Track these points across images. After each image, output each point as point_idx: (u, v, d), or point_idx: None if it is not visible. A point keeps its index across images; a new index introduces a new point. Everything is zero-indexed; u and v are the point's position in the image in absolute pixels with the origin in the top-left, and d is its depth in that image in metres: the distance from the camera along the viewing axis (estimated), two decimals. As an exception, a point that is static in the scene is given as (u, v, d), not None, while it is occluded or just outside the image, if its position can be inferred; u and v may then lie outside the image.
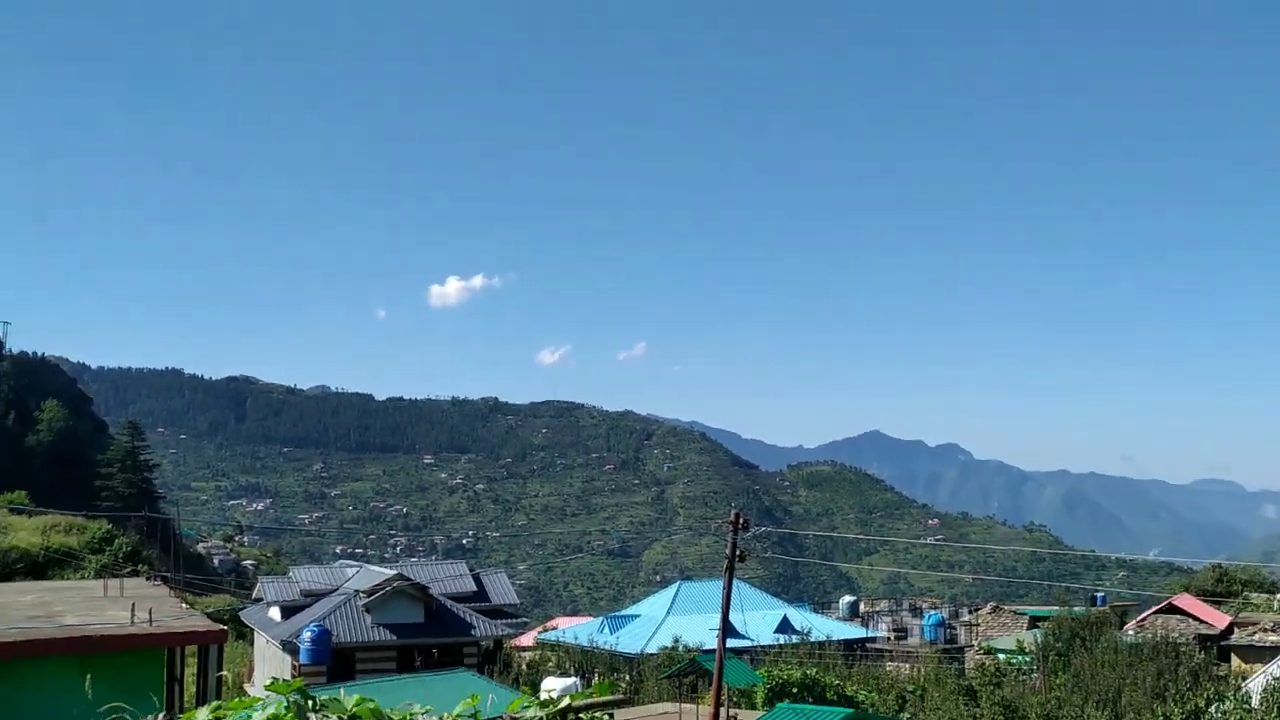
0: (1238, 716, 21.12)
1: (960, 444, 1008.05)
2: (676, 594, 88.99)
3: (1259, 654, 78.67)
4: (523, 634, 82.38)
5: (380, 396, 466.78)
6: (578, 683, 45.24)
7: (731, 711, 36.33)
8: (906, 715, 48.72)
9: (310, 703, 9.46)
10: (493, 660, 62.70)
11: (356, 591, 61.02)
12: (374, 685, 34.10)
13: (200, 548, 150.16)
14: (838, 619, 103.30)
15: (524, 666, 63.50)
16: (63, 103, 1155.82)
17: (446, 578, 70.81)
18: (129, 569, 60.68)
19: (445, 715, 9.73)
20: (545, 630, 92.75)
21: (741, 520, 27.70)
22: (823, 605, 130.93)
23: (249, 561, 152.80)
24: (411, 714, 9.55)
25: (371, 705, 9.40)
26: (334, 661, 54.29)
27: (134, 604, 19.48)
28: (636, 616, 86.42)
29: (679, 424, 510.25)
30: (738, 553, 26.78)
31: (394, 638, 58.35)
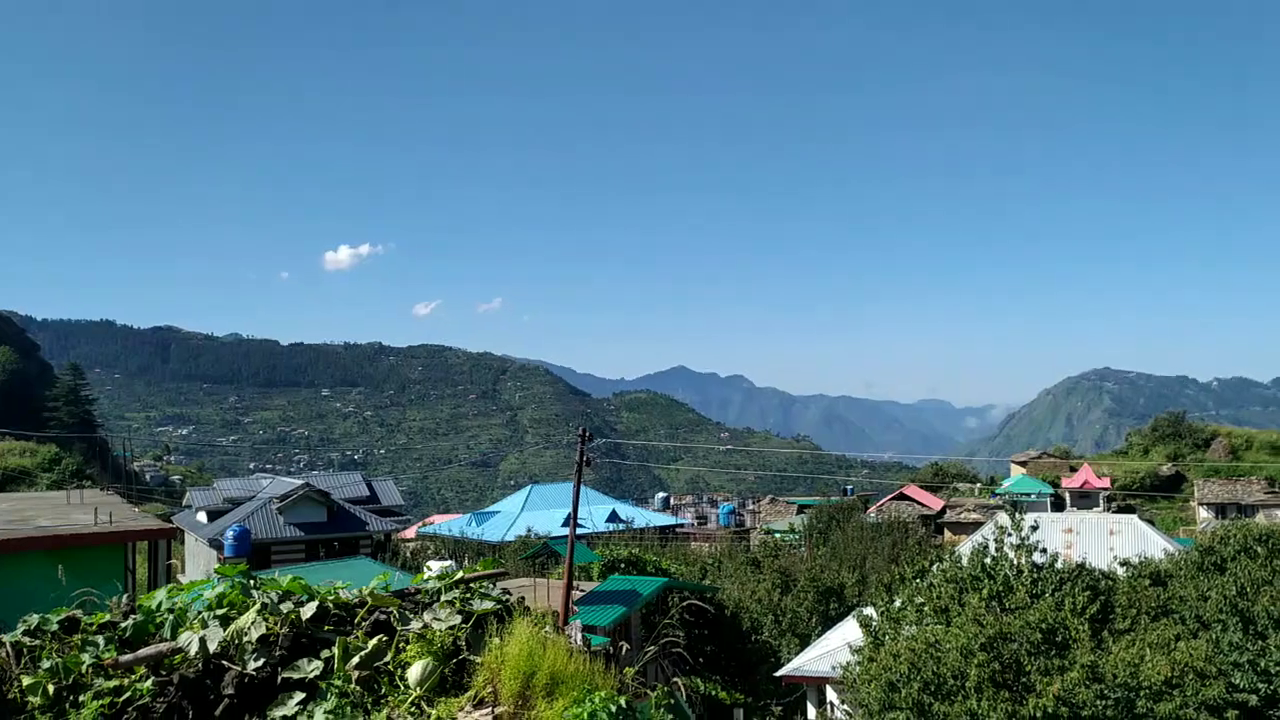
0: (952, 572, 22.28)
1: (745, 375, 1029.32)
2: (529, 495, 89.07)
3: (965, 528, 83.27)
4: (406, 529, 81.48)
5: (285, 342, 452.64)
6: (453, 564, 45.15)
7: (575, 582, 36.79)
8: (708, 581, 49.97)
9: (252, 581, 9.41)
10: (384, 550, 61.90)
11: (271, 498, 59.45)
12: (291, 570, 33.38)
13: (134, 466, 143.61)
14: (654, 510, 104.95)
15: (409, 554, 62.81)
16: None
17: (344, 485, 69.49)
18: (75, 484, 58.03)
19: (364, 588, 9.79)
20: (424, 525, 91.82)
21: (587, 435, 28.00)
22: (642, 500, 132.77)
23: (176, 477, 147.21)
24: (335, 589, 9.59)
25: (302, 582, 9.41)
26: (253, 555, 52.87)
27: (95, 509, 18.81)
28: (497, 513, 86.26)
29: (528, 362, 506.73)
30: (586, 459, 27.06)
31: (302, 534, 57.16)
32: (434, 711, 7.13)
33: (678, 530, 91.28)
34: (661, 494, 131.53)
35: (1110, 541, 39.94)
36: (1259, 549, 20.91)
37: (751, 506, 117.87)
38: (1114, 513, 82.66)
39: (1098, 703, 17.39)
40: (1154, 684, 17.55)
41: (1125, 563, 24.77)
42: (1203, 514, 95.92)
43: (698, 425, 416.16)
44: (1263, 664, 18.64)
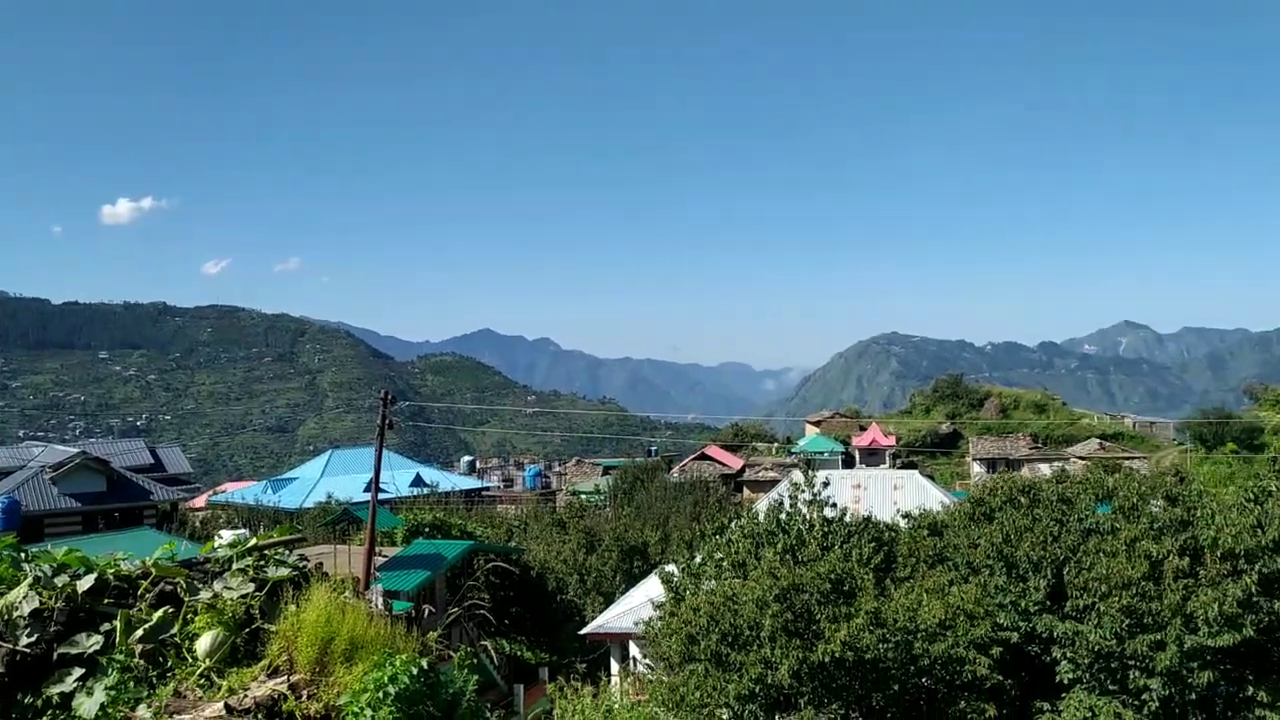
0: (750, 528, 23.12)
1: (552, 338, 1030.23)
2: (329, 460, 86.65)
3: (763, 485, 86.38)
4: (196, 498, 77.78)
5: (57, 301, 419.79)
6: (246, 533, 43.53)
7: (378, 548, 36.17)
8: (514, 543, 50.09)
9: (22, 555, 8.81)
10: (171, 520, 58.92)
11: (43, 467, 55.43)
12: (67, 543, 31.34)
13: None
14: (459, 474, 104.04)
15: (199, 524, 60.02)
16: None
17: (125, 453, 65.59)
18: None
19: (147, 559, 9.33)
20: (216, 494, 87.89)
21: (389, 398, 27.44)
22: (447, 464, 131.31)
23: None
24: (116, 560, 9.10)
25: (79, 554, 8.88)
26: (23, 528, 49.22)
27: None
28: (295, 479, 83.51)
29: (328, 324, 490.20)
30: (388, 422, 26.53)
31: (79, 505, 53.62)
32: (225, 682, 6.93)
33: (483, 493, 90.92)
34: (467, 458, 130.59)
35: (894, 496, 42.45)
36: (1022, 499, 22.73)
37: (558, 468, 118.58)
38: (898, 469, 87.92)
39: (880, 646, 18.55)
40: (930, 626, 18.87)
41: (906, 515, 26.40)
42: (976, 468, 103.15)
43: (504, 388, 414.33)
44: (1023, 604, 20.33)
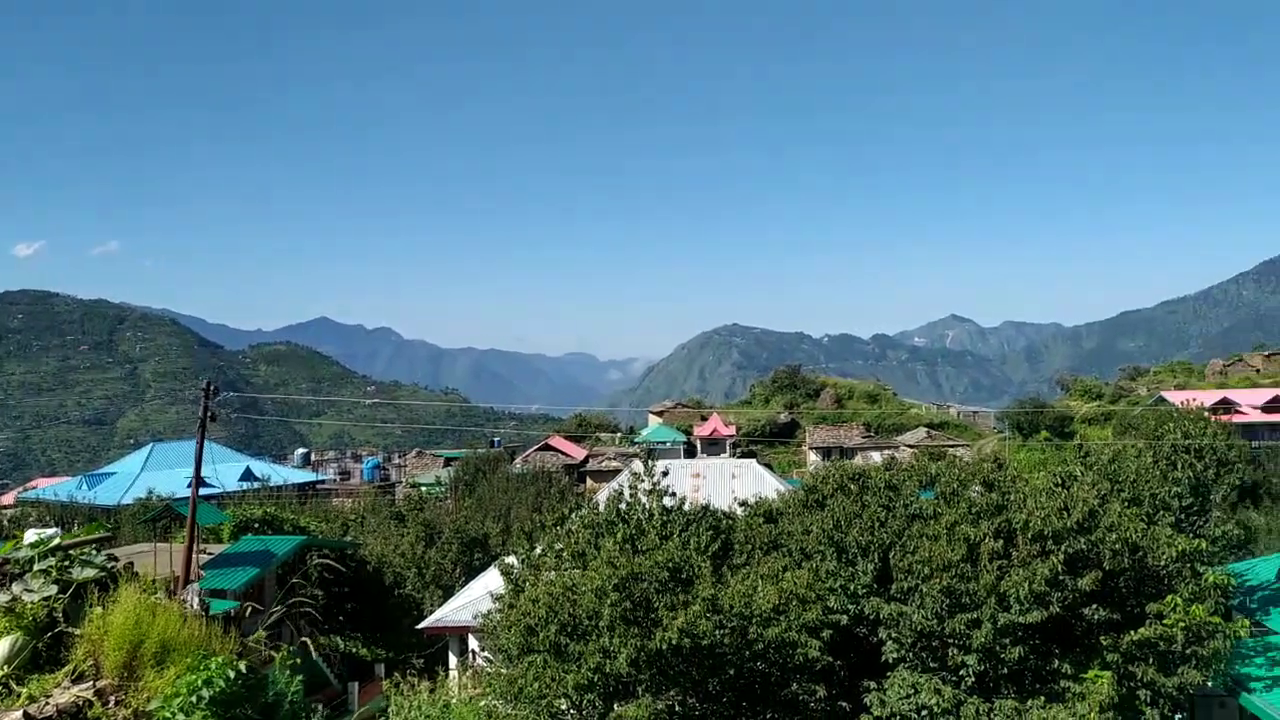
0: (590, 518, 23.23)
1: (393, 327, 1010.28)
2: (150, 454, 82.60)
3: (606, 476, 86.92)
4: (3, 495, 72.90)
5: None
6: (59, 531, 41.08)
7: (201, 545, 34.73)
8: (350, 537, 48.93)
9: None
10: (-28, 519, 54.97)
11: None
12: None
13: None
14: (293, 467, 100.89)
15: (6, 523, 56.29)
16: None
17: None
18: None
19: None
20: (26, 490, 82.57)
21: (213, 388, 26.33)
22: (280, 458, 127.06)
23: None
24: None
25: None
26: None
27: None
28: (113, 474, 79.27)
29: (151, 311, 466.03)
30: (211, 414, 25.46)
31: None
32: (25, 690, 6.54)
33: (319, 487, 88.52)
34: (302, 450, 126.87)
35: (732, 484, 43.39)
36: (852, 486, 23.61)
37: (398, 460, 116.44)
38: (737, 458, 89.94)
39: (716, 632, 18.96)
40: (764, 611, 19.39)
41: (743, 503, 27.04)
42: (812, 457, 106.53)
43: (343, 379, 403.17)
44: (852, 587, 21.14)
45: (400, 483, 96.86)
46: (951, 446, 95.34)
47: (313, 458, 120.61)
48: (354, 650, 35.95)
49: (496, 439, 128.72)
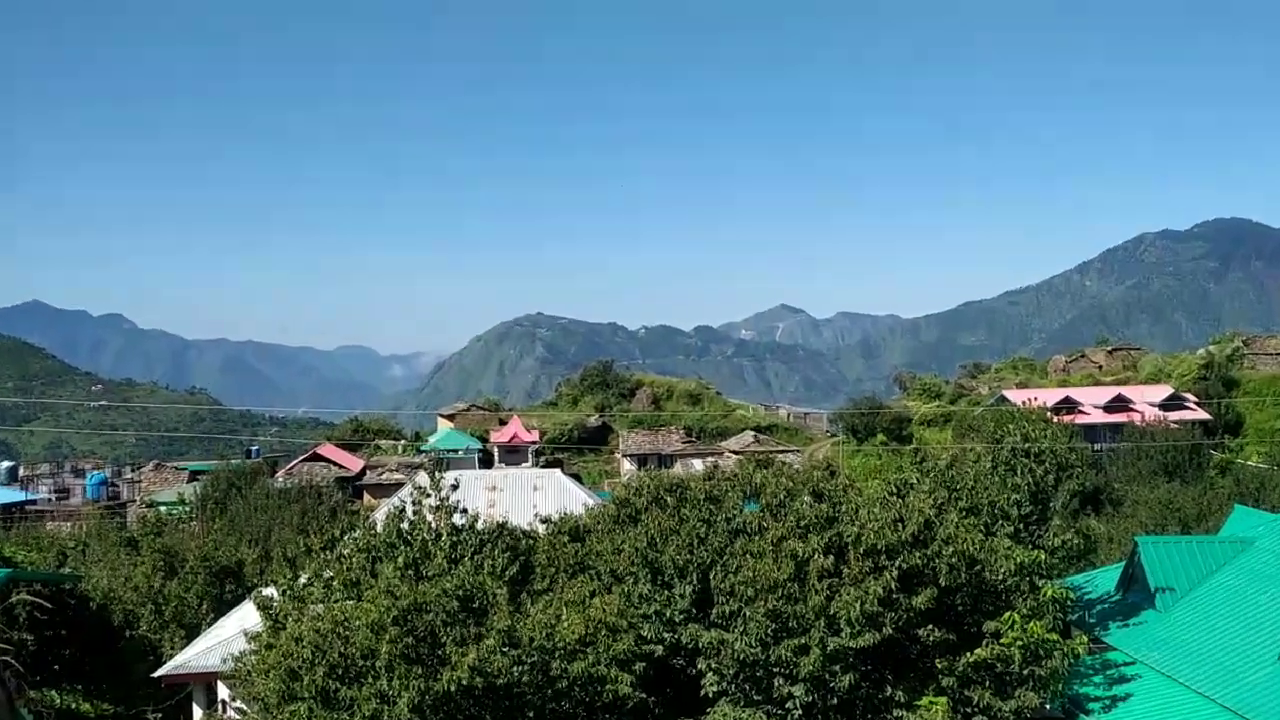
0: (366, 540, 22.81)
1: (125, 314, 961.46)
2: None
3: (386, 490, 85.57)
4: None
5: None
6: None
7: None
8: (68, 569, 46.34)
9: None
10: None
11: None
12: None
13: None
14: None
15: None
16: None
17: None
18: None
19: None
20: None
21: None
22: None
23: None
24: None
25: None
26: None
27: None
28: None
29: None
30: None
31: None
32: None
33: (28, 508, 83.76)
34: (8, 463, 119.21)
35: (534, 498, 43.47)
36: (668, 499, 24.06)
37: (130, 475, 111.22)
38: (541, 467, 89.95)
39: (514, 669, 18.96)
40: (569, 643, 19.53)
41: (546, 520, 27.14)
42: (626, 466, 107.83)
43: (61, 376, 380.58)
44: (669, 613, 21.55)
45: (133, 502, 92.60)
46: (780, 452, 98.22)
47: (21, 473, 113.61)
48: (73, 705, 34.08)
49: (255, 447, 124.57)
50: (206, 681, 31.88)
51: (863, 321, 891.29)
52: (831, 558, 20.82)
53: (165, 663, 34.51)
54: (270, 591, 24.20)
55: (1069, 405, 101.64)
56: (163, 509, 74.57)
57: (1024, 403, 70.24)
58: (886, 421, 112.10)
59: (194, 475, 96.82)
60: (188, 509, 73.05)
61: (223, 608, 41.14)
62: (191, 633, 39.72)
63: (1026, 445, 28.49)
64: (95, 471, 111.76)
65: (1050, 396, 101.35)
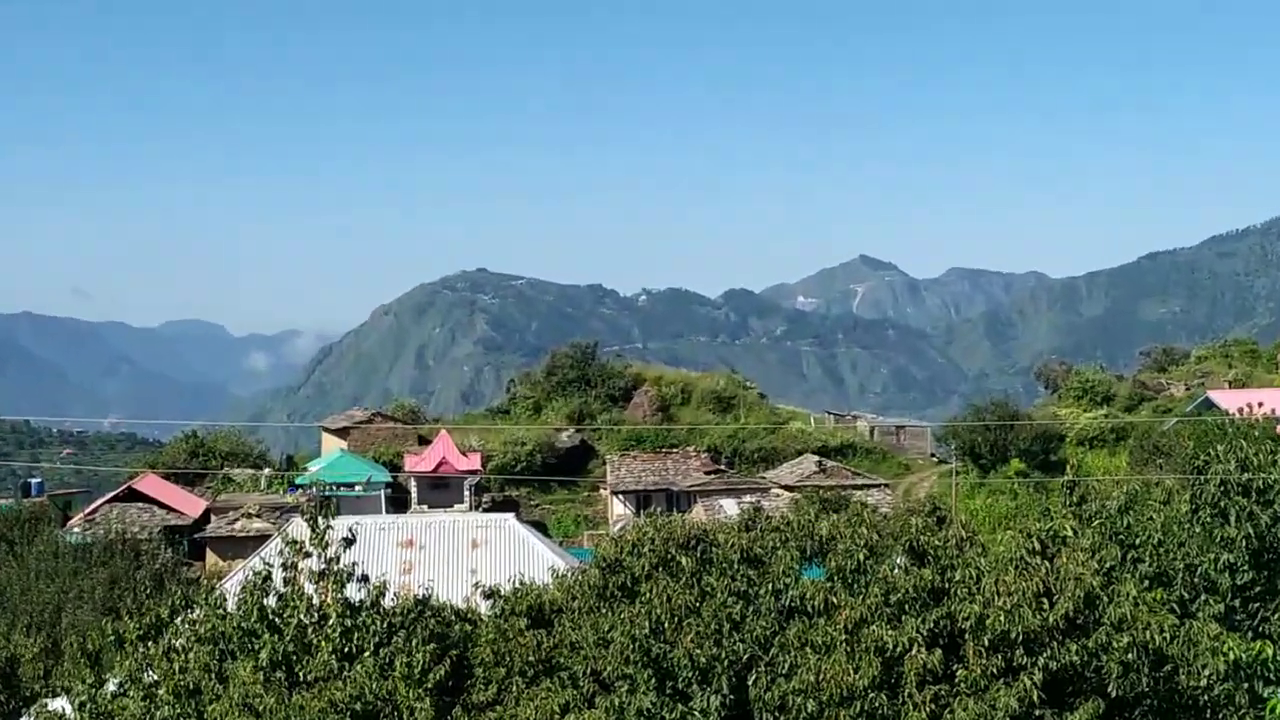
0: (211, 624, 22.82)
1: None
2: None
3: (240, 546, 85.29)
4: None
5: None
6: None
7: None
8: None
9: None
10: None
11: None
12: None
13: None
14: None
15: None
16: None
17: None
18: None
19: None
20: None
21: None
22: None
23: None
24: None
25: None
26: None
27: None
28: None
29: None
30: None
31: None
32: None
33: None
34: None
35: (473, 559, 43.58)
36: (685, 560, 23.95)
37: None
38: (484, 510, 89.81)
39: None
40: (528, 786, 19.56)
41: (492, 593, 27.08)
42: (618, 508, 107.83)
43: None
44: (684, 739, 21.49)
45: None
46: (859, 488, 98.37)
47: None
48: None
49: (35, 480, 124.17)
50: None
51: (989, 283, 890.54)
52: (939, 652, 20.76)
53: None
54: (59, 705, 24.21)
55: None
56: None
57: (1242, 411, 69.98)
58: (1025, 440, 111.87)
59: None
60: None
61: (-13, 729, 41.25)
62: (-63, 770, 39.80)
63: (1245, 478, 28.34)
64: None
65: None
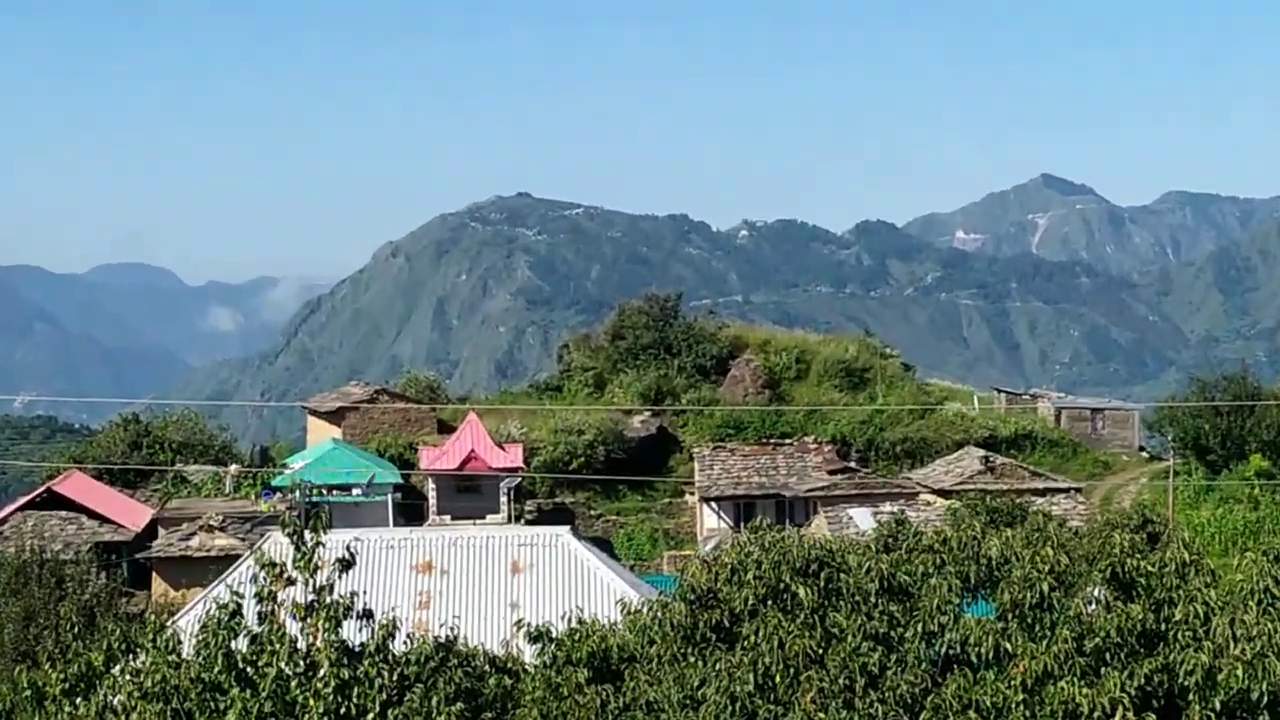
0: (159, 675, 23.03)
1: None
2: None
3: (198, 570, 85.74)
4: None
5: None
6: None
7: None
8: None
9: None
10: None
11: None
12: None
13: None
14: None
15: None
16: None
17: None
18: None
19: None
20: None
21: None
22: None
23: None
24: None
25: None
26: None
27: None
28: None
29: None
30: None
31: None
32: None
33: None
34: None
35: (514, 588, 43.73)
36: (803, 592, 24.01)
37: None
38: (528, 522, 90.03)
39: None
40: None
41: (541, 635, 27.26)
42: (711, 519, 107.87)
43: None
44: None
45: None
46: (1040, 493, 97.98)
47: None
48: None
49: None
50: None
51: (1220, 213, 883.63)
52: (1153, 717, 20.75)
53: None
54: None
55: None
56: None
57: None
58: (1271, 429, 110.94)
59: None
60: None
61: None
62: None
63: None
64: None
65: None
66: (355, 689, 22.95)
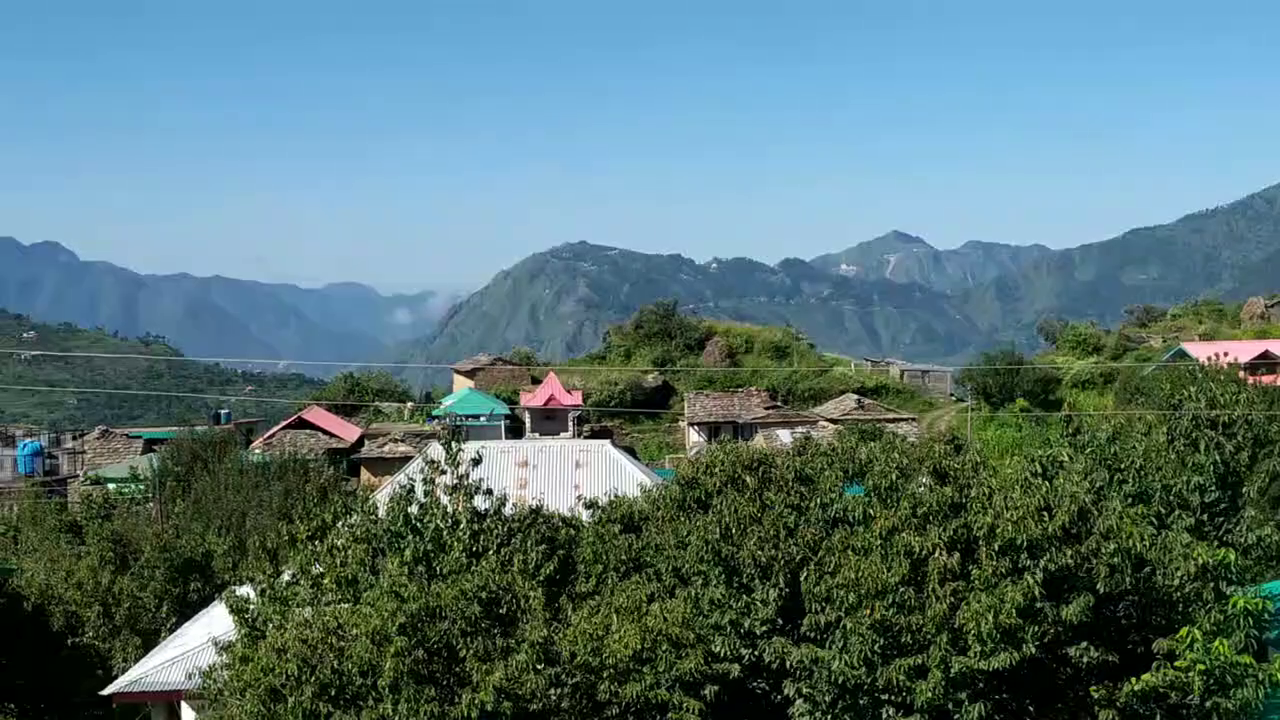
0: (365, 527, 23.05)
1: (64, 243, 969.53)
2: None
3: (388, 465, 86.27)
4: None
5: None
6: None
7: None
8: (-4, 561, 47.38)
9: None
10: None
11: None
12: None
13: None
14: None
15: None
16: None
17: None
18: None
19: None
20: None
21: None
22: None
23: None
24: None
25: None
26: None
27: None
28: None
29: None
30: None
31: None
32: None
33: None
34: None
35: (576, 477, 43.79)
36: (748, 479, 24.03)
37: (71, 444, 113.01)
38: (584, 438, 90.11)
39: (551, 691, 19.12)
40: (621, 660, 19.61)
41: (592, 504, 27.26)
42: (694, 437, 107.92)
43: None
44: (746, 624, 21.55)
45: (75, 477, 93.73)
46: (891, 421, 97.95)
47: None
48: (3, 731, 34.96)
49: (225, 410, 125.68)
50: (167, 701, 32.44)
51: (999, 254, 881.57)
52: (957, 555, 20.71)
53: (116, 677, 35.14)
54: (245, 591, 24.50)
55: (1269, 362, 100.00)
56: (111, 487, 75.48)
57: (1209, 359, 69.26)
58: (1029, 383, 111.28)
59: (150, 445, 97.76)
60: (142, 487, 74.04)
61: (187, 610, 41.78)
62: (149, 641, 40.40)
63: (1213, 414, 28.04)
64: (27, 440, 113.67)
65: (1244, 351, 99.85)
66: (481, 536, 23.10)
